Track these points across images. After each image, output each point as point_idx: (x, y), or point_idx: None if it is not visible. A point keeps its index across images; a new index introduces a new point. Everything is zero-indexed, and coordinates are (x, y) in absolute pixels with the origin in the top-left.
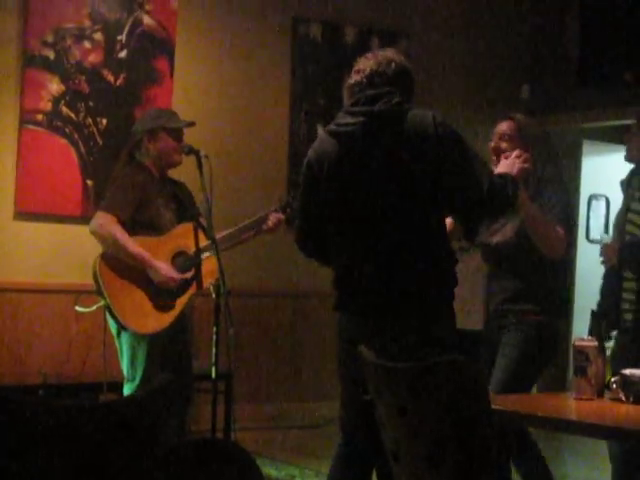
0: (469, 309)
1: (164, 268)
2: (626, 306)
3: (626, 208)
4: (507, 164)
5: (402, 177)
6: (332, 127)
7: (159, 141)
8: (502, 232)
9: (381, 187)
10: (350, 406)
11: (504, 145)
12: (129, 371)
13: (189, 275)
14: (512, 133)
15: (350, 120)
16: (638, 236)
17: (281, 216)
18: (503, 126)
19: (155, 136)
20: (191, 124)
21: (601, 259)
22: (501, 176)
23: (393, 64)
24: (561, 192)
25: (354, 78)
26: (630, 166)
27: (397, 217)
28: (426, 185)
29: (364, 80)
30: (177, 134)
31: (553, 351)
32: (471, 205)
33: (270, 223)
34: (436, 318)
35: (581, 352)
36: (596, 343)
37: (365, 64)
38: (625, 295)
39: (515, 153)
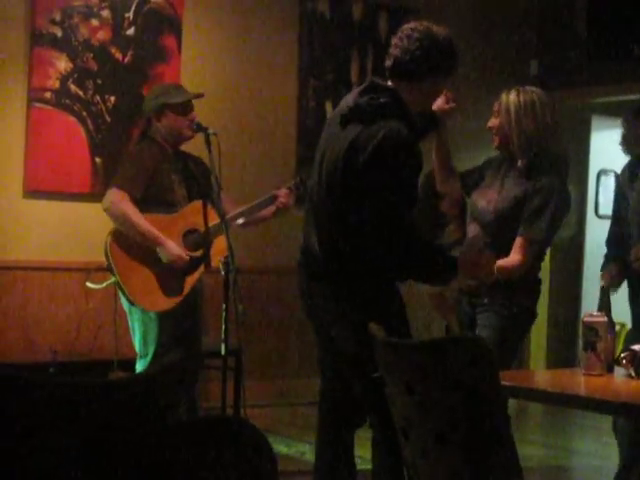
0: None
1: (174, 247)
2: None
3: None
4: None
5: (336, 176)
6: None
7: (165, 118)
8: (494, 203)
9: (326, 176)
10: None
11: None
12: (141, 347)
13: (199, 253)
14: None
15: (341, 103)
16: None
17: (288, 191)
18: None
19: (161, 114)
20: (199, 96)
21: (632, 258)
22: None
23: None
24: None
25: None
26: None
27: (329, 209)
28: (347, 191)
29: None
30: (183, 108)
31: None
32: (369, 239)
33: (282, 199)
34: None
35: (590, 328)
36: (605, 318)
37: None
38: None
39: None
